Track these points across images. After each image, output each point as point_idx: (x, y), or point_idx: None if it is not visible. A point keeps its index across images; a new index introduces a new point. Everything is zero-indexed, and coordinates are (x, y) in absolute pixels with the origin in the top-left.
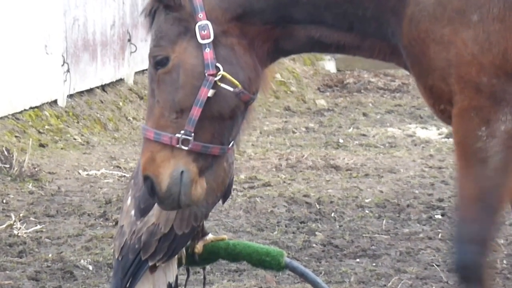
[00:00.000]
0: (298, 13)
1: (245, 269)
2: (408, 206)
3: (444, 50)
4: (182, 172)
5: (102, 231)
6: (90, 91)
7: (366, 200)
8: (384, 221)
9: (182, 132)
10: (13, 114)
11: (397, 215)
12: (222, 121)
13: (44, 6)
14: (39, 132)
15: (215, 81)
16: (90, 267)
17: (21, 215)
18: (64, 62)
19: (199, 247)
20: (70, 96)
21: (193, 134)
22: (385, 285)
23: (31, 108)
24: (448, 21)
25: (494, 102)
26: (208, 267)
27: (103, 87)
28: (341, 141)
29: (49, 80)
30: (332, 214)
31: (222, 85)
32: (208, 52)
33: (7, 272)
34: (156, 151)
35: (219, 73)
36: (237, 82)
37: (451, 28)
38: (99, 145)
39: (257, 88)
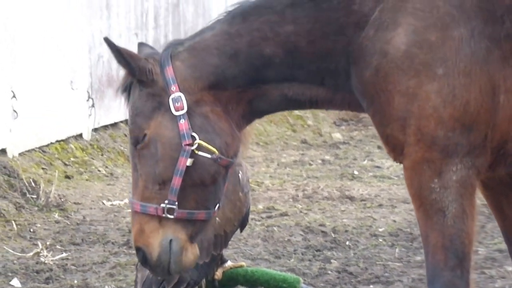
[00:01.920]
0: (271, 74)
1: None
2: (420, 235)
3: (408, 102)
4: (171, 240)
5: (126, 258)
6: (114, 125)
7: (380, 229)
8: (397, 249)
9: (166, 202)
10: (40, 147)
11: (410, 243)
12: (204, 187)
13: (70, 43)
14: (65, 164)
15: (192, 150)
16: None
17: (47, 243)
18: (89, 97)
19: (218, 273)
20: (95, 130)
21: (176, 203)
22: None
23: (57, 141)
24: (414, 73)
25: (446, 155)
26: None
27: (126, 121)
28: (356, 172)
29: (75, 114)
30: (347, 243)
31: (200, 153)
32: (183, 123)
33: None
34: (144, 222)
35: (195, 142)
36: (213, 149)
37: (417, 81)
38: (122, 176)
39: (235, 151)
